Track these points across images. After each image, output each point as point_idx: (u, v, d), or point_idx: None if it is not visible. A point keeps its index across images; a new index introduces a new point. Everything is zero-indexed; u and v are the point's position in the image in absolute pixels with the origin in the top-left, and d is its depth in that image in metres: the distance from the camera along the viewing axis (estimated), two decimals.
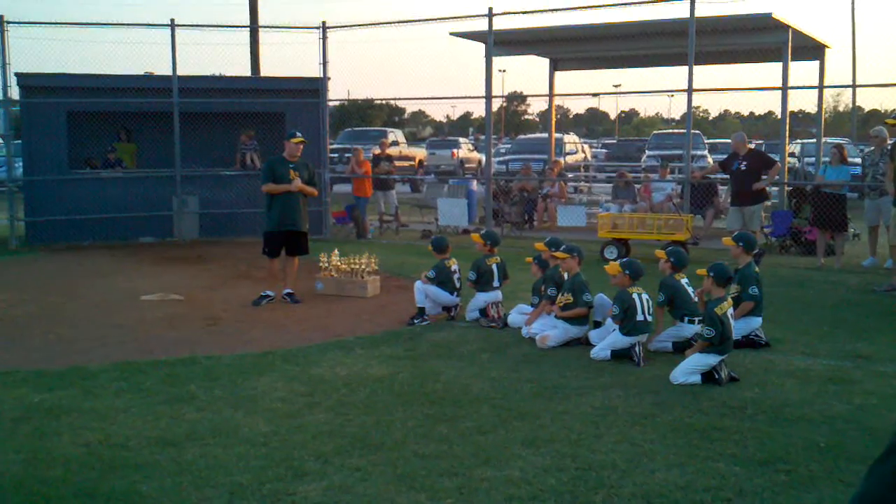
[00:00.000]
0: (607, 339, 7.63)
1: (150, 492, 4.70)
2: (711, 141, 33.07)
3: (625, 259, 8.58)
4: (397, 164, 23.24)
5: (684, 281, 7.96)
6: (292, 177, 10.16)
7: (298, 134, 10.42)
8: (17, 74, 14.92)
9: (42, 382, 6.79)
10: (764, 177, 12.84)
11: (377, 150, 18.88)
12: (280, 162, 10.28)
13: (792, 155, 22.97)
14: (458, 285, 9.32)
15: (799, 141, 26.34)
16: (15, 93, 15.03)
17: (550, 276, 8.51)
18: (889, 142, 12.37)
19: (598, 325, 8.18)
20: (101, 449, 5.35)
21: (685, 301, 7.83)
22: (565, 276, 8.37)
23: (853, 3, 18.16)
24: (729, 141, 30.76)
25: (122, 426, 5.77)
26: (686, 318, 7.76)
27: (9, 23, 14.71)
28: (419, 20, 16.84)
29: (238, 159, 16.47)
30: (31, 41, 15.26)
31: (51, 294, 10.84)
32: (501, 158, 28.40)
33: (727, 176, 13.71)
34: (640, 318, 7.49)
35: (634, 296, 7.56)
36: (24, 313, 9.70)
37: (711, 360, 6.75)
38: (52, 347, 8.15)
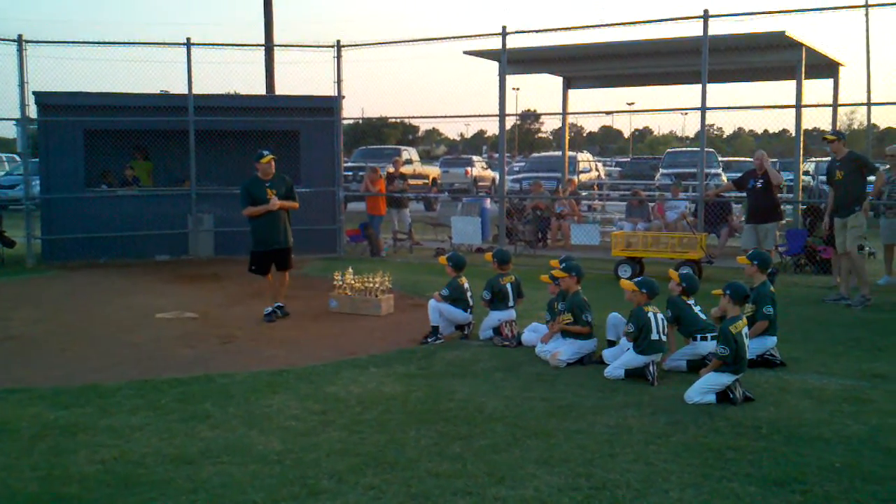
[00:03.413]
0: (621, 358, 7.61)
1: None
2: (725, 159, 33.02)
3: (641, 277, 8.57)
4: (411, 182, 23.31)
5: (691, 302, 7.97)
6: (269, 195, 10.23)
7: (266, 153, 10.36)
8: (34, 93, 15.07)
9: (58, 400, 6.83)
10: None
11: (391, 169, 18.96)
12: (255, 183, 10.34)
13: (806, 173, 22.91)
14: (471, 303, 9.32)
15: (814, 159, 26.26)
16: (33, 111, 15.17)
17: (563, 293, 8.51)
18: None
19: (612, 343, 8.16)
20: (117, 466, 5.38)
21: (691, 319, 7.85)
22: None
23: (867, 20, 18.25)
24: (742, 159, 30.74)
25: (137, 444, 5.80)
26: (699, 336, 7.75)
27: (27, 42, 14.87)
28: (433, 38, 16.92)
29: None
30: (48, 60, 15.35)
31: (67, 312, 10.91)
32: (515, 176, 28.47)
33: (742, 194, 13.68)
34: (654, 336, 7.47)
35: (650, 314, 7.55)
36: (41, 331, 9.76)
37: (726, 379, 6.73)
38: (68, 365, 8.19)
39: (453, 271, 9.42)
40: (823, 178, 20.69)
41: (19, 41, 14.79)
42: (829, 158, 12.21)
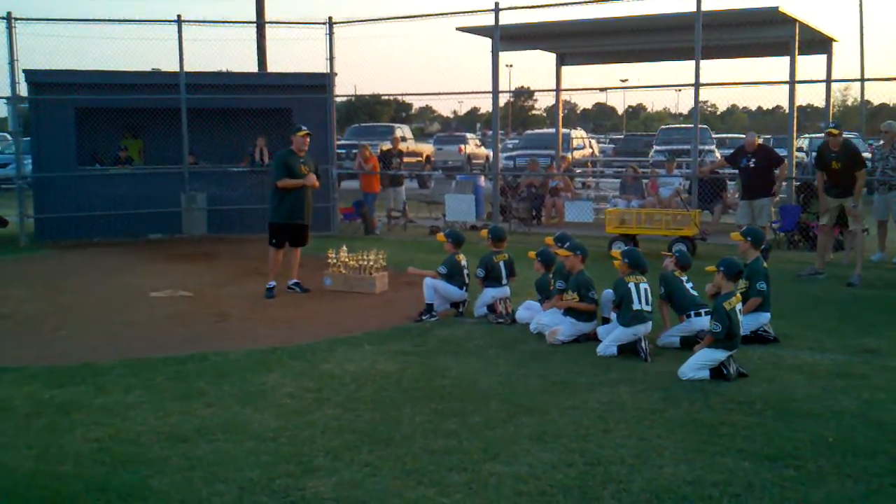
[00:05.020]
0: (612, 335, 7.63)
1: (160, 487, 4.73)
2: (719, 136, 32.99)
3: (626, 248, 8.59)
4: (405, 160, 23.27)
5: (684, 278, 7.99)
6: (304, 171, 10.36)
7: (304, 127, 10.58)
8: (25, 71, 14.96)
9: (53, 379, 6.83)
10: (776, 172, 12.73)
11: (386, 146, 18.88)
12: (291, 156, 10.47)
13: (800, 150, 22.91)
14: (466, 280, 9.32)
15: (807, 135, 26.26)
16: (23, 90, 15.07)
17: (558, 271, 8.51)
18: None
19: (606, 321, 8.18)
20: (112, 444, 5.39)
21: (684, 296, 7.88)
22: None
23: None
24: (736, 136, 30.74)
25: (132, 422, 5.81)
26: (693, 312, 7.77)
27: (17, 20, 14.75)
28: (425, 15, 16.87)
29: (247, 158, 16.51)
30: (39, 38, 15.32)
31: (61, 291, 10.89)
32: (509, 154, 28.39)
33: (736, 171, 13.67)
34: (636, 307, 7.50)
35: (630, 285, 7.57)
36: (35, 310, 9.75)
37: (719, 355, 6.75)
38: (62, 344, 8.19)
39: (452, 247, 9.40)
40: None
41: (9, 19, 14.66)
42: (822, 135, 12.18)
